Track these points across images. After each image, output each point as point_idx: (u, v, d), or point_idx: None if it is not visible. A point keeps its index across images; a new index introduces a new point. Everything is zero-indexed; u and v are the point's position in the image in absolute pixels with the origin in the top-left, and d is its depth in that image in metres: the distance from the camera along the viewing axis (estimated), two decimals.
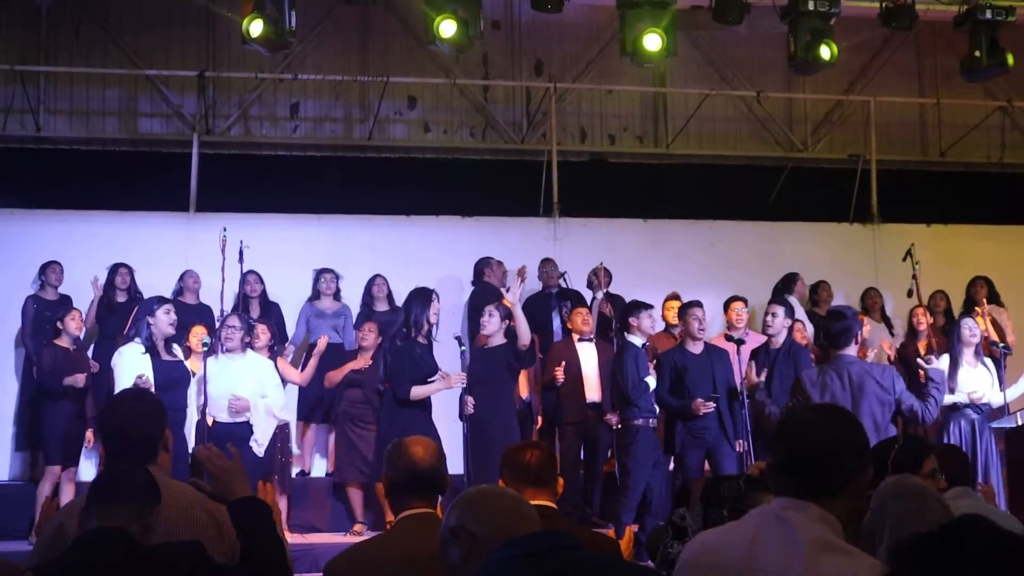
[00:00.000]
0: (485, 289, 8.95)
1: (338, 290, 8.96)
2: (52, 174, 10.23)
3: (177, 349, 6.97)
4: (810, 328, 8.56)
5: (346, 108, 11.19)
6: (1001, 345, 7.85)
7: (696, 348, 7.29)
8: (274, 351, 7.99)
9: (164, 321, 6.69)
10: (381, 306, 8.73)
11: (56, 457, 7.49)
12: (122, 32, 10.75)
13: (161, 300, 6.95)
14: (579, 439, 8.00)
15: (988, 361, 7.54)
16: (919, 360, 7.25)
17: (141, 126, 10.90)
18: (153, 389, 6.36)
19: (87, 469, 7.94)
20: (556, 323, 8.92)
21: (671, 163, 11.52)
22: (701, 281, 9.27)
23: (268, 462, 7.47)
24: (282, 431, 7.78)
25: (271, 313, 8.74)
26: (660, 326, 8.43)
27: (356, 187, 10.60)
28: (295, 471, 8.39)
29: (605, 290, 9.09)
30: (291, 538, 6.92)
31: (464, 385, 6.98)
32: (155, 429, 2.94)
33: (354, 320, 8.74)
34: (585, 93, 11.43)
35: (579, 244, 9.72)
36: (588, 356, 8.04)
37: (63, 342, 7.67)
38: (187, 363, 7.07)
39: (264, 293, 8.87)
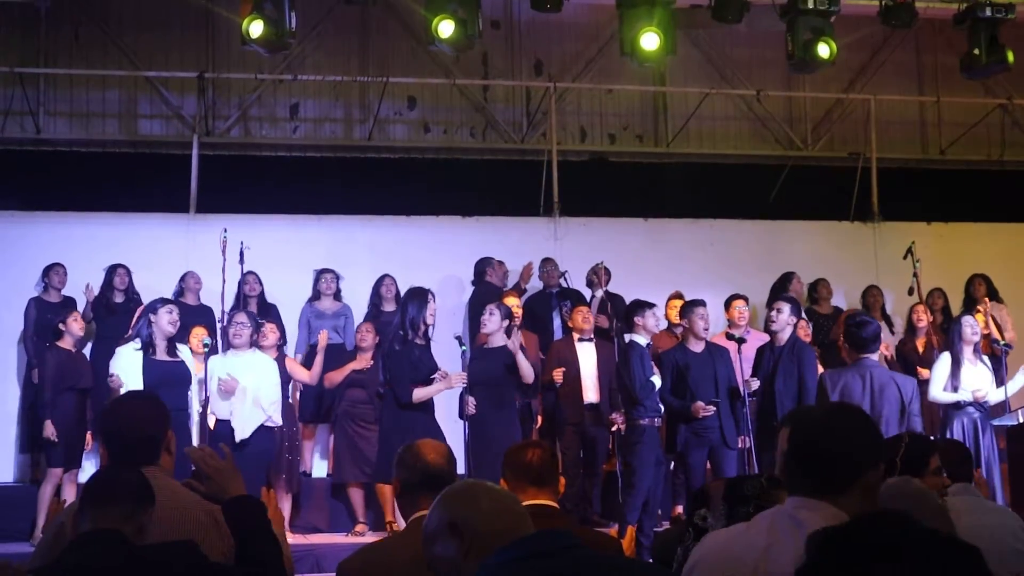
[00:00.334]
0: (486, 289, 8.95)
1: (338, 290, 8.96)
2: (52, 176, 10.23)
3: (182, 349, 6.96)
4: (808, 326, 8.57)
5: (346, 109, 11.19)
6: (1002, 343, 7.85)
7: (698, 347, 7.28)
8: (282, 351, 8.02)
9: (165, 320, 6.71)
10: (389, 306, 8.68)
11: (58, 459, 7.49)
12: (121, 33, 10.75)
13: (164, 301, 6.97)
14: (578, 439, 8.00)
15: (986, 359, 7.54)
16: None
17: (141, 127, 10.90)
18: (123, 389, 6.42)
19: (90, 471, 7.93)
20: (556, 322, 8.92)
21: (671, 162, 11.51)
22: (701, 280, 9.26)
23: (276, 461, 7.49)
24: (290, 430, 7.80)
25: (269, 314, 8.73)
26: (664, 324, 8.43)
27: (356, 187, 10.60)
28: None
29: (604, 289, 9.09)
30: (292, 539, 6.93)
31: (465, 385, 6.97)
32: (157, 430, 2.93)
33: (362, 319, 8.71)
34: (585, 92, 11.43)
35: (579, 243, 9.71)
36: (587, 356, 8.02)
37: (65, 344, 7.67)
38: (189, 363, 7.06)
39: (262, 294, 8.88)
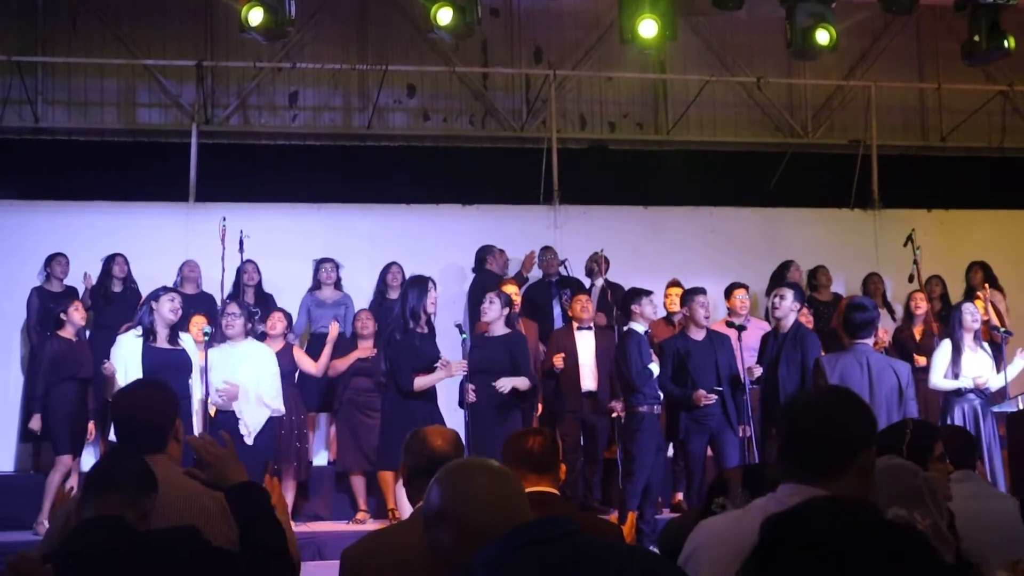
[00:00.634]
0: (487, 277, 8.94)
1: (338, 279, 8.95)
2: (51, 165, 10.21)
3: (185, 338, 6.95)
4: (809, 313, 8.56)
5: (345, 97, 11.17)
6: (1002, 330, 7.85)
7: (698, 335, 7.28)
8: (289, 340, 8.02)
9: (166, 307, 6.70)
10: (394, 294, 8.61)
11: (65, 447, 7.50)
12: (119, 22, 10.72)
13: (167, 289, 6.98)
14: (577, 426, 8.02)
15: (987, 345, 7.54)
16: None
17: (140, 116, 10.88)
18: (117, 375, 6.52)
19: (90, 461, 7.94)
20: (556, 310, 8.92)
21: (671, 150, 11.50)
22: (702, 268, 9.26)
23: (283, 449, 7.52)
24: (298, 417, 7.82)
25: (267, 304, 8.72)
26: (661, 312, 8.42)
27: (356, 176, 10.59)
28: None
29: (604, 277, 9.09)
30: (295, 527, 6.93)
31: (465, 373, 6.98)
32: (164, 418, 2.95)
33: (368, 306, 8.69)
34: (585, 80, 11.40)
35: (579, 231, 9.71)
36: (586, 345, 8.04)
37: (67, 333, 7.67)
38: (191, 351, 7.05)
39: (260, 284, 8.87)
